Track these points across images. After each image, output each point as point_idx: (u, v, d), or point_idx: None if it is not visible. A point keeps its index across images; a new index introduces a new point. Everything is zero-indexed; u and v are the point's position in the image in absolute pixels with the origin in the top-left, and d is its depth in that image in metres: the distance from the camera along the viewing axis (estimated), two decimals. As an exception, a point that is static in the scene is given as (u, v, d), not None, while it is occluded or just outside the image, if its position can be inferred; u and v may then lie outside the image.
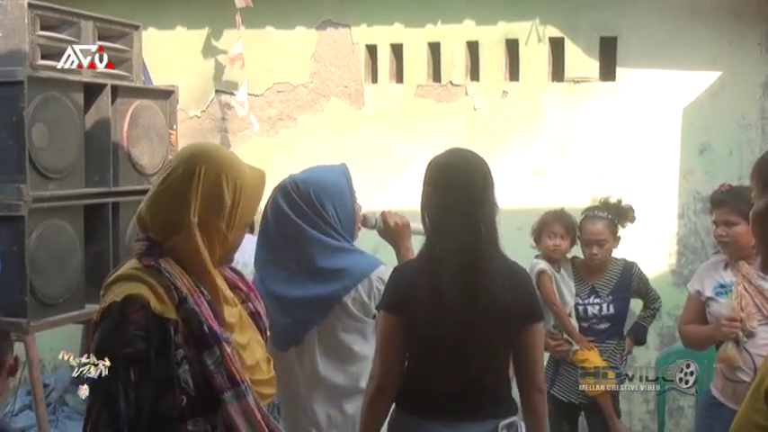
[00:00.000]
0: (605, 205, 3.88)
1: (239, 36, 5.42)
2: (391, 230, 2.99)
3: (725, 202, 3.30)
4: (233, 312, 1.99)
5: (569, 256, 3.96)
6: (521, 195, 5.07)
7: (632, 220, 3.86)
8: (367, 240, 3.10)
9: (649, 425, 5.03)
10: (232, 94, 5.61)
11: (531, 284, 2.54)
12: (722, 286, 3.33)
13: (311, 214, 2.71)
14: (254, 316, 2.09)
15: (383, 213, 3.03)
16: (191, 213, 1.89)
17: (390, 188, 5.34)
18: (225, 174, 1.94)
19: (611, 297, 3.84)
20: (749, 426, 1.60)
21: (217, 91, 5.69)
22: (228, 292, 2.01)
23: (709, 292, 3.36)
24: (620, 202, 3.87)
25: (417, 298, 2.37)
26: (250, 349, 1.98)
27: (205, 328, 1.84)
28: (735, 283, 3.26)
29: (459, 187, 2.40)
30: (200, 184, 1.91)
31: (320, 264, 2.68)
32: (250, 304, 2.09)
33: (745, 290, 3.22)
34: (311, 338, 2.70)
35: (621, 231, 3.87)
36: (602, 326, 3.86)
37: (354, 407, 2.67)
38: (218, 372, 1.84)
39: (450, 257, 2.37)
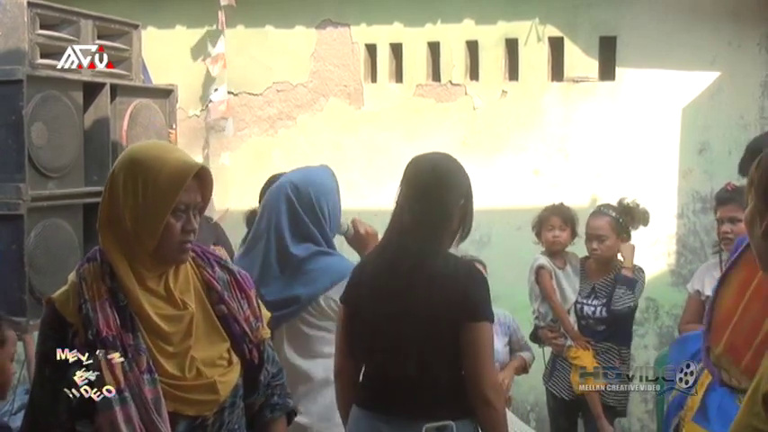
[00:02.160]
0: (617, 204, 3.88)
1: (221, 35, 5.42)
2: (360, 238, 3.03)
3: (731, 199, 3.33)
4: (172, 317, 1.94)
5: (580, 256, 3.99)
6: (520, 195, 5.07)
7: (644, 223, 3.87)
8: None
9: (648, 425, 5.04)
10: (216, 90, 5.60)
11: (474, 283, 2.38)
12: None
13: (312, 216, 2.76)
14: (224, 319, 2.03)
15: (353, 220, 3.06)
16: (101, 215, 1.98)
17: (389, 188, 5.33)
18: (124, 172, 1.93)
19: (605, 299, 3.84)
20: (747, 430, 1.60)
21: (215, 90, 5.68)
22: (176, 296, 1.96)
23: (709, 291, 3.36)
24: (635, 204, 3.86)
25: (360, 289, 2.45)
26: (182, 356, 1.93)
27: (89, 334, 1.86)
28: None
29: (414, 185, 2.45)
30: (109, 186, 1.97)
31: (308, 265, 2.79)
32: (222, 306, 2.03)
33: None
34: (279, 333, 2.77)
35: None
36: (600, 327, 3.86)
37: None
38: (98, 378, 1.84)
39: (394, 252, 2.41)
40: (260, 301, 2.17)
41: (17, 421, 4.99)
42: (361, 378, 2.53)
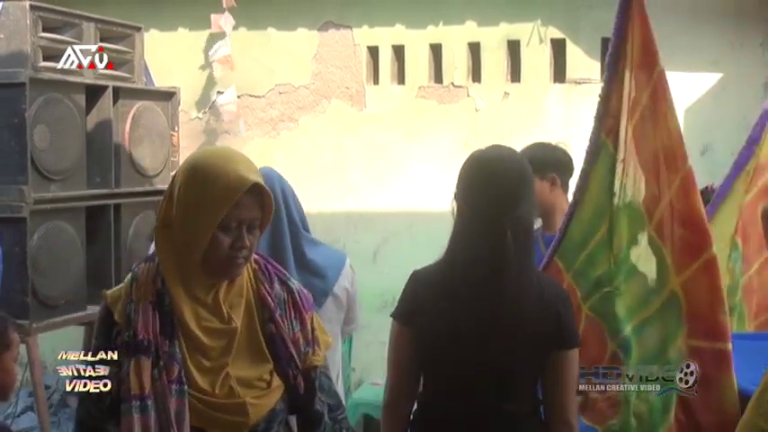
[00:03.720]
0: None
1: (227, 37, 5.43)
2: None
3: None
4: (215, 330, 1.87)
5: None
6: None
7: None
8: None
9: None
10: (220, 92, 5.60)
11: (566, 306, 2.20)
12: None
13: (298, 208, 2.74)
14: (272, 339, 1.92)
15: None
16: (158, 216, 1.92)
17: (391, 189, 5.35)
18: (183, 176, 1.87)
19: None
20: (755, 430, 1.60)
21: (219, 92, 5.69)
22: (224, 309, 1.87)
23: None
24: None
25: (431, 309, 2.14)
26: (216, 372, 1.86)
27: (126, 335, 1.84)
28: None
29: (487, 185, 2.13)
30: (169, 188, 1.91)
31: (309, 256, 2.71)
32: (271, 325, 1.92)
33: None
34: None
35: None
36: None
37: None
38: (125, 381, 1.82)
39: (471, 267, 2.12)
40: (320, 326, 2.06)
41: (21, 424, 5.01)
42: (420, 406, 2.27)
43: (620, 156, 2.55)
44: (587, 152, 2.61)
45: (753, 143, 3.04)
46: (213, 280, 1.87)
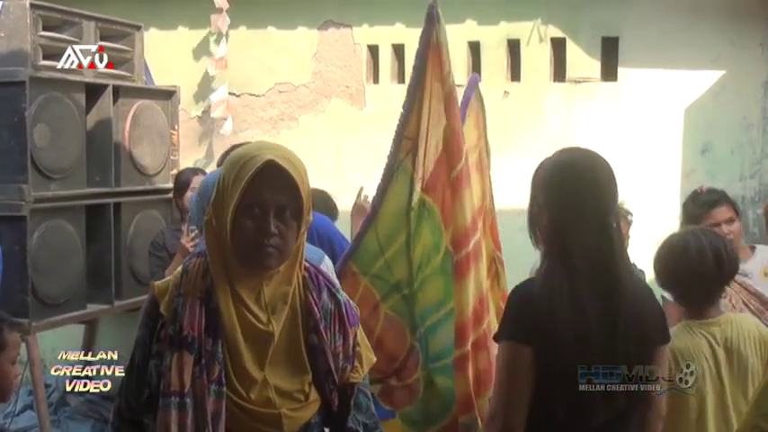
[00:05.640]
0: None
1: (222, 37, 5.43)
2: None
3: (723, 200, 3.28)
4: (253, 333, 1.82)
5: None
6: (522, 196, 5.06)
7: (626, 221, 3.84)
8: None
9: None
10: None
11: (656, 300, 2.21)
12: None
13: None
14: (313, 350, 1.87)
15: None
16: (208, 211, 1.86)
17: (392, 188, 5.34)
18: (222, 167, 1.89)
19: None
20: (755, 431, 1.60)
21: (213, 90, 5.68)
22: (264, 312, 1.82)
23: None
24: (621, 202, 3.84)
25: (554, 324, 2.03)
26: (254, 377, 1.82)
27: (172, 329, 1.81)
28: None
29: (588, 189, 2.09)
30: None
31: None
32: (314, 336, 1.87)
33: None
34: None
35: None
36: None
37: None
38: (166, 376, 1.79)
39: (587, 274, 2.05)
40: (365, 342, 2.02)
41: (20, 423, 5.01)
42: (536, 425, 2.15)
43: (419, 174, 2.83)
44: (385, 170, 2.90)
45: None
46: (252, 273, 1.81)
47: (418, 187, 2.83)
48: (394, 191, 2.86)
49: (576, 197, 2.09)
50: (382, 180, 2.89)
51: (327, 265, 2.82)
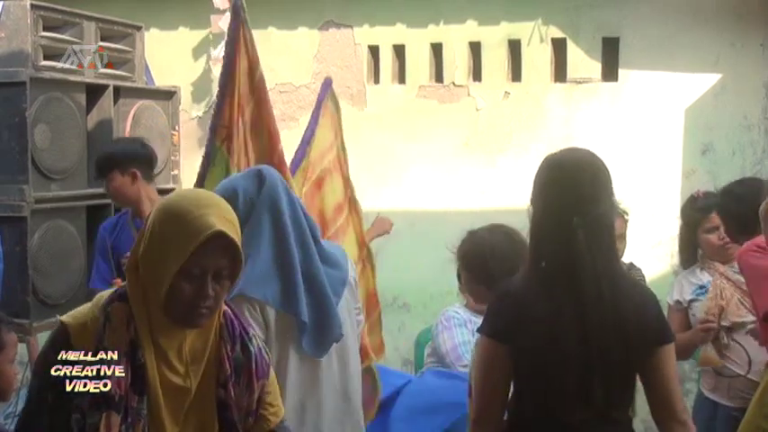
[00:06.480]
0: None
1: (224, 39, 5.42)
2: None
3: (714, 206, 3.26)
4: (172, 388, 1.80)
5: None
6: (522, 196, 5.05)
7: (623, 221, 3.83)
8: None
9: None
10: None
11: (658, 304, 2.20)
12: (701, 287, 3.29)
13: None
14: (221, 404, 1.85)
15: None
16: (130, 257, 1.82)
17: (392, 189, 5.34)
18: (154, 217, 1.79)
19: None
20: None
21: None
22: (183, 366, 1.80)
23: (688, 296, 3.33)
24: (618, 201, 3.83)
25: (528, 323, 2.07)
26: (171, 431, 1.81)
27: (92, 386, 1.75)
28: (712, 281, 3.22)
29: (560, 187, 2.13)
30: (143, 228, 1.83)
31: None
32: (221, 390, 1.85)
33: (725, 284, 3.18)
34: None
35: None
36: None
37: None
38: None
39: (558, 275, 2.09)
40: (275, 391, 2.00)
41: (21, 423, 5.00)
42: (515, 423, 2.21)
43: (235, 159, 3.01)
44: (204, 157, 3.08)
45: (305, 143, 3.45)
46: (176, 328, 1.79)
47: (234, 172, 2.97)
48: (213, 175, 3.02)
49: (552, 198, 2.14)
50: (201, 167, 3.08)
51: (351, 263, 2.80)
